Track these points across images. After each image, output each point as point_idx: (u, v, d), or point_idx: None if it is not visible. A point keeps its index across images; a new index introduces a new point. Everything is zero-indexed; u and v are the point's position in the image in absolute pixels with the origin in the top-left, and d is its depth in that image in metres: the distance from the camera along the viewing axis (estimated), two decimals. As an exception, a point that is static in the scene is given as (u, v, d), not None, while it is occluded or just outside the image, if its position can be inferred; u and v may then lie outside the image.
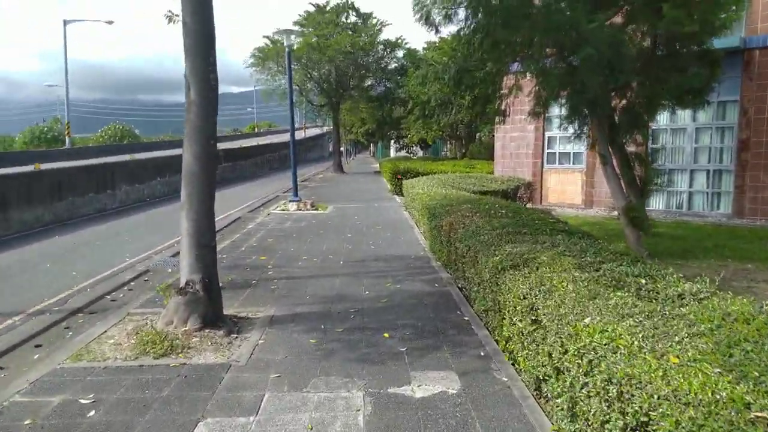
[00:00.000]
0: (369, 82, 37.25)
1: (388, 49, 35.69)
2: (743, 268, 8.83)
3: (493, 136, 35.38)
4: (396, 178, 21.03)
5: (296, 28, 34.90)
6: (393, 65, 36.39)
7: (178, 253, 10.69)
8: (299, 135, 73.74)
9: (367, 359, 4.81)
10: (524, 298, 4.10)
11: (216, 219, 14.17)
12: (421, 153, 46.38)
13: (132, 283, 8.40)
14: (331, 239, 11.13)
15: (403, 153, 44.01)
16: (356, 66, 35.26)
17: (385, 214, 15.33)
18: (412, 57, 35.70)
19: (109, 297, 7.69)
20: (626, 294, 3.66)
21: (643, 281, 3.95)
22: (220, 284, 7.24)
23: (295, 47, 33.77)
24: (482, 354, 4.91)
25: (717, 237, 12.07)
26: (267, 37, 34.08)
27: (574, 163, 18.41)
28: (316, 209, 16.06)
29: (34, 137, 51.03)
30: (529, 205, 17.64)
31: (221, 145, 39.65)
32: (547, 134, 18.91)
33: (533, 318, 3.88)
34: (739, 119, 15.22)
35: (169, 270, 9.06)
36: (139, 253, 10.90)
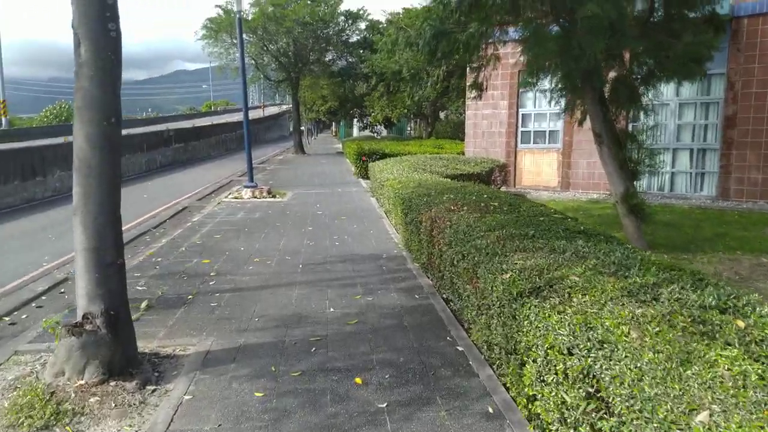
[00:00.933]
0: (330, 57, 35.33)
1: (350, 21, 33.78)
2: (757, 262, 7.81)
3: (462, 114, 34.23)
4: (361, 160, 19.56)
5: (250, -3, 32.69)
6: (355, 38, 34.55)
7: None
8: (257, 114, 71.05)
9: (334, 426, 3.44)
10: (570, 353, 2.78)
11: (159, 209, 12.34)
12: (385, 132, 44.86)
13: (43, 298, 6.80)
14: (289, 234, 9.65)
15: (366, 132, 42.41)
16: (316, 39, 33.26)
17: (351, 201, 13.89)
18: (374, 29, 33.94)
19: (7, 319, 6.09)
20: (731, 351, 2.37)
21: (740, 324, 2.68)
22: (147, 302, 5.74)
23: (249, 17, 31.65)
24: (491, 411, 3.60)
25: (711, 223, 11.12)
26: (219, 6, 31.72)
27: (549, 143, 17.31)
28: (274, 196, 14.48)
29: (-34, 117, 46.99)
30: (503, 189, 16.49)
31: (172, 125, 37.26)
32: (521, 111, 17.72)
33: (589, 390, 2.56)
34: (726, 94, 14.31)
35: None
36: (62, 255, 9.19)
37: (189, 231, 10.14)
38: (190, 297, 6.08)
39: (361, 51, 33.48)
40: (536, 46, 7.49)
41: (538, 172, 17.54)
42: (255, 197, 14.26)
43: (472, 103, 18.58)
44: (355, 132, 50.97)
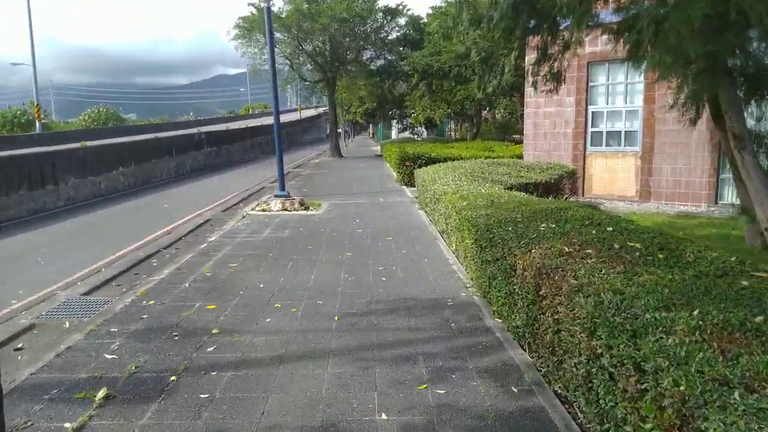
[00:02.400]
0: (368, 55, 33.43)
1: (389, 17, 31.79)
2: None
3: (510, 114, 31.84)
4: (404, 165, 17.49)
5: (285, -7, 31.12)
6: (394, 35, 32.54)
7: (95, 288, 7.25)
8: (294, 117, 70.07)
9: None
10: None
11: (178, 223, 10.50)
12: (425, 134, 42.71)
13: (-8, 355, 4.98)
14: (322, 263, 7.65)
15: (406, 134, 40.33)
16: (353, 36, 31.43)
17: (395, 214, 11.83)
18: (415, 25, 31.86)
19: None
20: None
21: None
22: (106, 390, 3.81)
23: (283, 14, 30.03)
24: None
25: None
26: (252, 4, 30.21)
27: (625, 145, 14.86)
28: (306, 208, 12.54)
29: (6, 121, 47.11)
30: (572, 199, 14.15)
31: (204, 128, 35.98)
32: (591, 109, 15.32)
33: None
34: None
35: (66, 324, 5.63)
36: (41, 286, 7.44)
37: (201, 256, 8.25)
38: (173, 379, 4.10)
39: (401, 48, 31.44)
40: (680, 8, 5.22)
41: (611, 179, 15.11)
42: (285, 209, 12.36)
43: (532, 100, 16.30)
44: (394, 134, 48.98)
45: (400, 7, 31.62)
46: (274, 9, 30.31)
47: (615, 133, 15.03)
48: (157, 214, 13.81)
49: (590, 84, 15.22)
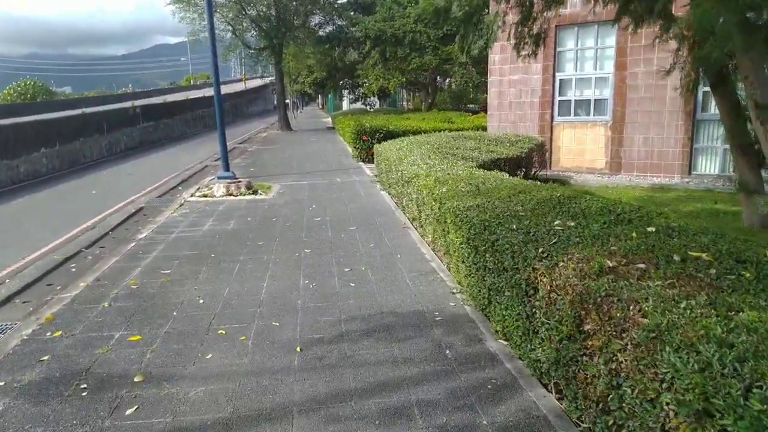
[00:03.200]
0: (316, 20, 31.55)
1: (338, -20, 29.96)
2: None
3: (465, 82, 30.81)
4: (361, 140, 16.23)
5: (224, -47, 28.75)
6: None
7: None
8: (239, 87, 66.99)
9: None
10: None
11: (105, 213, 9.20)
12: (378, 105, 41.28)
13: None
14: (276, 264, 6.42)
15: (358, 105, 38.80)
16: (300, 0, 29.46)
17: (356, 197, 10.64)
18: (366, -12, 30.15)
19: None
20: None
21: None
22: None
23: (224, -24, 27.72)
24: None
25: None
26: (188, -36, 27.70)
27: (594, 115, 14.09)
28: (255, 192, 11.16)
29: None
30: (542, 174, 13.33)
31: (140, 101, 33.39)
32: (558, 76, 14.43)
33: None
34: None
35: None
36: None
37: (128, 260, 6.86)
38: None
39: (352, 13, 29.75)
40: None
41: (580, 150, 14.35)
42: (230, 194, 10.95)
43: (496, 67, 15.27)
44: (345, 105, 47.26)
45: (350, -31, 29.81)
46: (213, -30, 27.96)
47: (584, 101, 14.22)
48: (83, 203, 12.12)
49: (558, 49, 14.29)
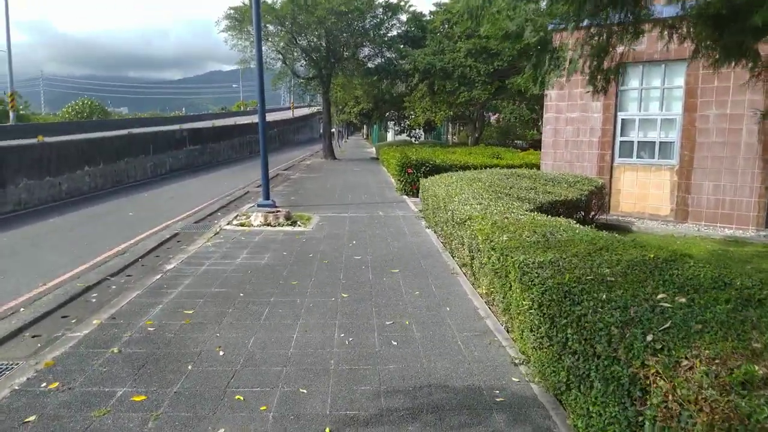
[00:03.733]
0: (365, 52, 31.53)
1: (389, 13, 29.91)
2: None
3: (518, 117, 30.04)
4: (406, 173, 15.60)
5: (280, -17, 29.18)
6: (395, 32, 30.63)
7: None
8: (287, 115, 68.06)
9: None
10: None
11: (138, 238, 8.62)
12: (422, 137, 40.88)
13: None
14: (309, 310, 5.72)
15: (403, 136, 38.45)
16: (350, 32, 29.51)
17: (400, 234, 9.92)
18: (417, 21, 30.01)
19: None
20: None
21: None
22: None
23: (277, 5, 28.07)
24: None
25: None
26: (244, -6, 28.19)
27: (659, 158, 13.06)
28: (293, 223, 10.59)
29: (-19, 112, 44.68)
30: (601, 218, 12.36)
31: (187, 125, 33.93)
32: (620, 116, 13.52)
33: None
34: None
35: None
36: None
37: (150, 294, 6.29)
38: None
39: (402, 46, 29.57)
40: None
41: (642, 195, 13.30)
42: (268, 224, 10.41)
43: (553, 103, 14.48)
44: (390, 136, 47.05)
45: (402, 3, 29.76)
46: (269, 0, 28.39)
47: (647, 143, 13.23)
48: (119, 224, 11.82)
49: (620, 88, 13.42)
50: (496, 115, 32.04)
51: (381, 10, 29.77)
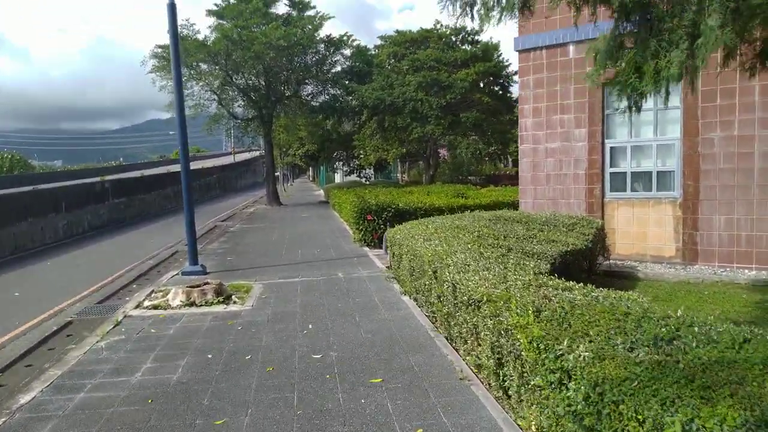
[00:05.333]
0: (309, 90, 29.49)
1: (332, 48, 28.13)
2: None
3: (477, 152, 28.46)
4: (365, 220, 13.30)
5: (211, 19, 27.03)
6: (339, 68, 28.81)
7: None
8: (228, 160, 65.32)
9: None
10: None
11: (20, 328, 5.84)
12: (372, 177, 38.90)
13: None
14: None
15: (353, 177, 36.35)
16: (292, 69, 27.47)
17: (370, 306, 7.53)
18: (363, 56, 28.34)
19: None
20: None
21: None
22: None
23: (209, 42, 25.77)
24: None
25: None
26: (172, 31, 25.72)
27: (658, 190, 11.35)
28: (227, 299, 8.00)
29: None
30: (604, 263, 10.42)
31: (114, 176, 30.70)
32: (608, 143, 11.81)
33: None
34: None
35: None
36: None
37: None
38: None
39: (347, 82, 27.72)
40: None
41: (640, 234, 11.49)
42: (192, 303, 7.80)
43: (529, 133, 12.66)
44: (338, 177, 44.86)
45: (345, 38, 28.07)
46: (200, 36, 26.09)
47: (642, 174, 11.52)
48: (-5, 311, 8.92)
49: (606, 112, 11.75)
50: (443, 151, 30.42)
51: (323, 45, 27.96)
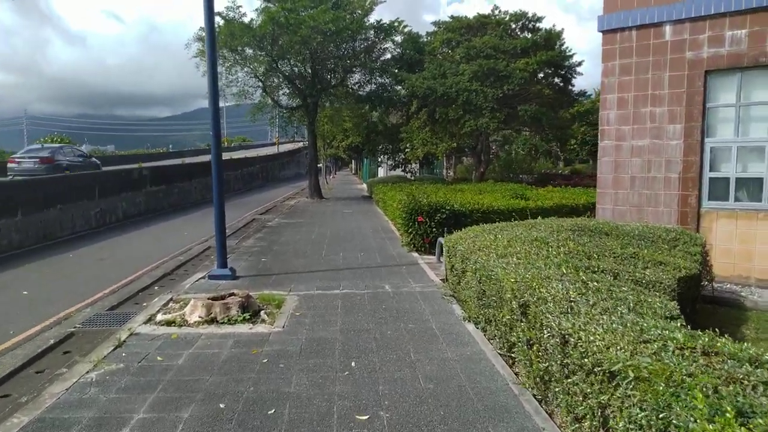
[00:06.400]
0: (356, 78, 28.08)
1: (382, 35, 26.62)
2: None
3: (533, 148, 26.53)
4: (415, 222, 11.80)
5: (258, 2, 25.91)
6: (388, 55, 27.29)
7: None
8: (272, 150, 64.94)
9: None
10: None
11: (12, 340, 3.95)
12: (418, 172, 37.32)
13: None
14: None
15: (398, 172, 34.85)
16: (339, 56, 26.13)
17: (426, 337, 6.03)
18: (414, 43, 26.74)
19: None
20: None
21: None
22: None
23: (255, 24, 24.69)
24: None
25: None
26: (219, 13, 24.79)
27: (771, 199, 9.42)
28: (253, 316, 6.65)
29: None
30: (709, 287, 8.62)
31: (155, 163, 30.12)
32: (708, 143, 9.93)
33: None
34: None
35: None
36: None
37: None
38: None
39: (397, 70, 26.14)
40: None
41: (745, 252, 9.59)
42: (212, 320, 6.48)
43: (612, 128, 10.87)
44: (382, 172, 43.43)
45: (396, 24, 26.50)
46: (245, 20, 25.02)
47: (751, 180, 9.61)
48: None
49: (708, 105, 9.86)
50: (496, 147, 28.58)
51: (373, 31, 26.50)
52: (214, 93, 9.38)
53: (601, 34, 10.89)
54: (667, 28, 10.12)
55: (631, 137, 10.60)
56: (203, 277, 9.18)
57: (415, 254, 11.40)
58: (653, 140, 10.35)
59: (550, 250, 6.35)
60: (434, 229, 11.53)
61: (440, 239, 10.29)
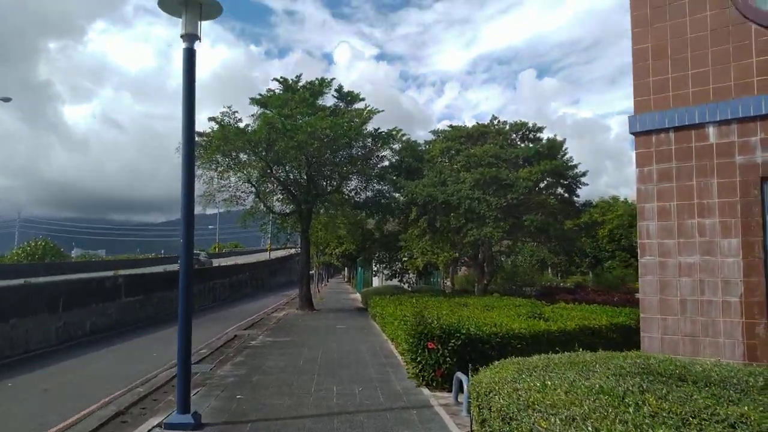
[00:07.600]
0: (352, 185, 27.23)
1: (380, 143, 26.14)
2: None
3: (538, 261, 25.10)
4: (425, 348, 9.91)
5: (255, 107, 25.58)
6: (386, 162, 26.64)
7: None
8: (263, 256, 63.54)
9: None
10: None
11: None
12: (414, 282, 35.53)
13: None
14: None
15: (394, 282, 33.10)
16: (335, 163, 25.43)
17: None
18: (413, 150, 26.20)
19: None
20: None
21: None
22: None
23: (250, 129, 24.08)
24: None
25: None
26: (213, 118, 24.31)
27: None
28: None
29: None
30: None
31: (124, 271, 28.37)
32: (776, 260, 8.40)
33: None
34: None
35: None
36: None
37: None
38: None
39: (395, 177, 25.28)
40: None
41: (839, 396, 7.72)
42: None
43: (653, 241, 9.39)
44: (376, 281, 41.64)
45: (394, 132, 26.13)
46: (240, 125, 24.47)
47: (832, 306, 7.98)
48: None
49: (767, 213, 8.49)
50: (509, 257, 27.18)
51: (371, 139, 26.04)
52: (189, 201, 7.97)
53: (632, 136, 9.76)
54: (711, 130, 8.99)
55: (677, 253, 9.08)
56: (158, 426, 7.15)
57: (426, 390, 9.40)
58: (704, 256, 8.83)
59: (627, 408, 4.55)
60: (448, 358, 9.63)
61: (458, 374, 8.42)
